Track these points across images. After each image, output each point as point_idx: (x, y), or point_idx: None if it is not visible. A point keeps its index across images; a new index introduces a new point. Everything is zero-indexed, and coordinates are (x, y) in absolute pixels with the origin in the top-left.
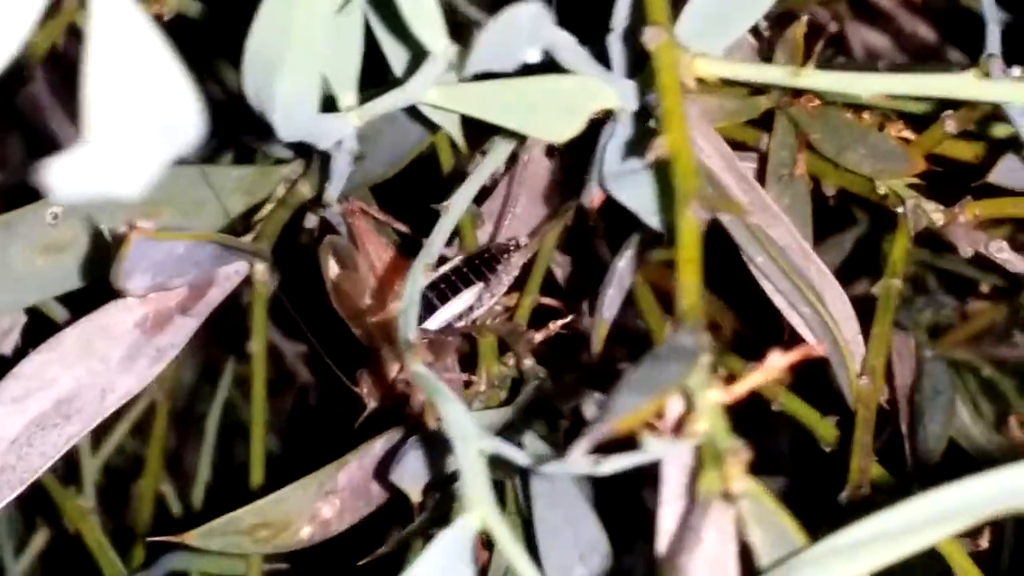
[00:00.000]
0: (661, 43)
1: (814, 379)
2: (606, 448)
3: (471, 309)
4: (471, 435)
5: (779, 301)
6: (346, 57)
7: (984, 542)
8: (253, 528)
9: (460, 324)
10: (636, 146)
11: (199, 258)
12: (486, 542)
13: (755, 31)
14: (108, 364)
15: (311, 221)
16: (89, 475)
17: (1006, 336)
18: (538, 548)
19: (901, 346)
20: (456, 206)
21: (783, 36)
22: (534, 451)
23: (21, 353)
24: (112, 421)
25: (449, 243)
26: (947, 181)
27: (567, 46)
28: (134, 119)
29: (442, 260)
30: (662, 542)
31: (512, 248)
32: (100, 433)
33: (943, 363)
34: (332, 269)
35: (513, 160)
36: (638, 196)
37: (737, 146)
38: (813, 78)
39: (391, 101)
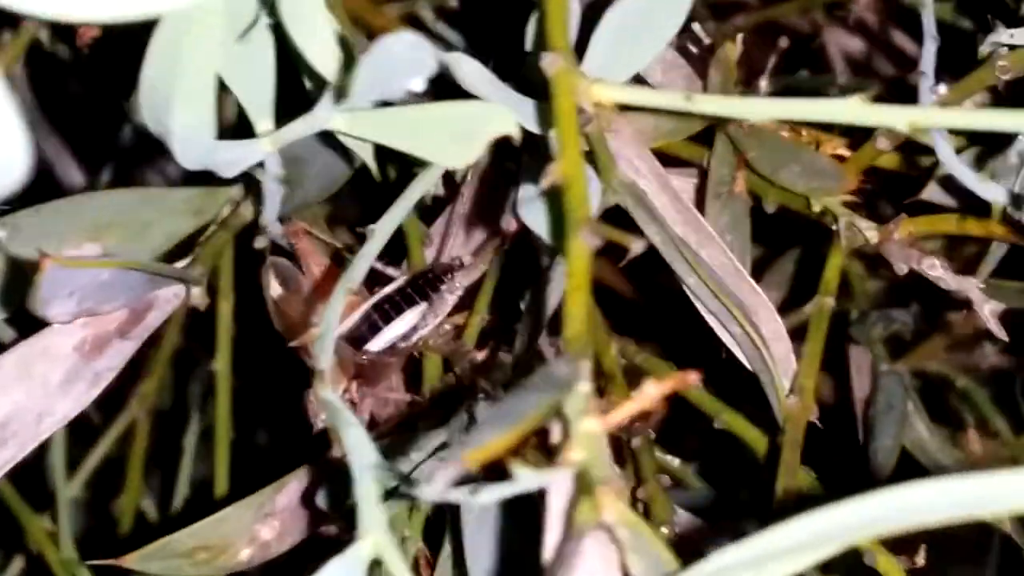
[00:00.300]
0: (558, 69)
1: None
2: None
3: (415, 329)
4: (366, 462)
5: (711, 320)
6: (259, 84)
7: (920, 559)
8: (192, 551)
9: (405, 344)
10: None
11: (131, 283)
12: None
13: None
14: (46, 388)
15: (261, 242)
16: (64, 498)
17: (976, 345)
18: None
19: (860, 360)
20: (381, 230)
21: (715, 56)
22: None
23: None
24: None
25: (398, 263)
26: (893, 196)
27: (470, 71)
28: None
29: (388, 280)
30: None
31: (456, 268)
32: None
33: (898, 377)
34: (274, 289)
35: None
36: (543, 221)
37: (680, 163)
38: (704, 103)
39: (300, 129)
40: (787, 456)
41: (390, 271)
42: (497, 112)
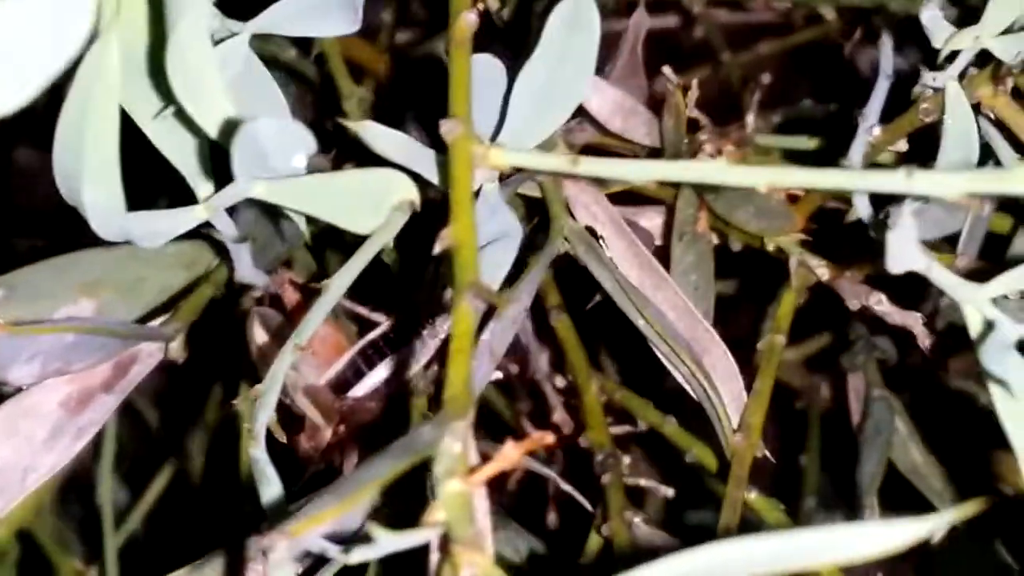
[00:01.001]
0: (456, 136)
1: None
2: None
3: (399, 374)
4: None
5: (663, 360)
6: (193, 151)
7: None
8: None
9: (389, 389)
10: None
11: (102, 342)
12: None
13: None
14: (32, 444)
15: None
16: (112, 549)
17: None
18: None
19: (857, 386)
20: (335, 285)
21: (667, 102)
22: None
23: None
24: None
25: (385, 310)
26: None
27: (376, 136)
28: None
29: (372, 326)
30: None
31: (439, 312)
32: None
33: (886, 402)
34: (259, 337)
35: None
36: None
37: (649, 201)
38: (588, 166)
39: (227, 196)
40: (731, 491)
41: (376, 316)
42: (398, 179)
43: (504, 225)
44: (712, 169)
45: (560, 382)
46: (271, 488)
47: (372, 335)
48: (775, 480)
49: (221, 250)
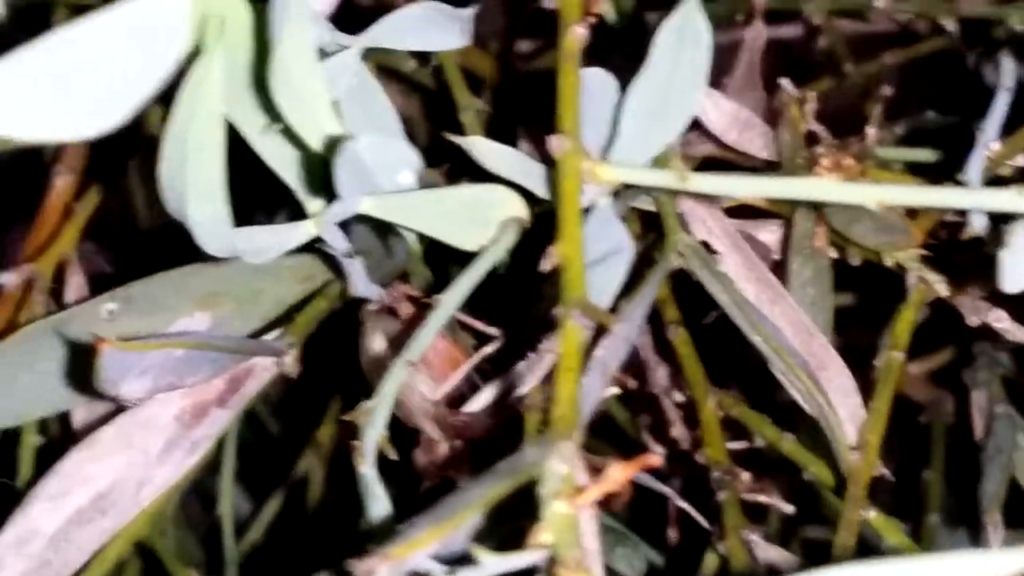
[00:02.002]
0: (565, 152)
1: None
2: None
3: (515, 388)
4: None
5: (779, 376)
6: (303, 166)
7: None
8: None
9: (505, 403)
10: None
11: (214, 356)
12: None
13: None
14: (147, 457)
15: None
16: (231, 559)
17: None
18: None
19: (981, 402)
20: (447, 302)
21: (783, 115)
22: None
23: None
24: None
25: (501, 323)
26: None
27: (484, 151)
28: None
29: (487, 339)
30: None
31: (555, 325)
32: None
33: (1009, 420)
34: (375, 346)
35: None
36: None
37: (766, 214)
38: (697, 182)
39: (337, 212)
40: (847, 512)
41: (491, 330)
42: (506, 196)
43: (615, 241)
44: (821, 186)
45: (678, 397)
46: (379, 506)
47: (488, 349)
48: (897, 495)
49: (335, 264)
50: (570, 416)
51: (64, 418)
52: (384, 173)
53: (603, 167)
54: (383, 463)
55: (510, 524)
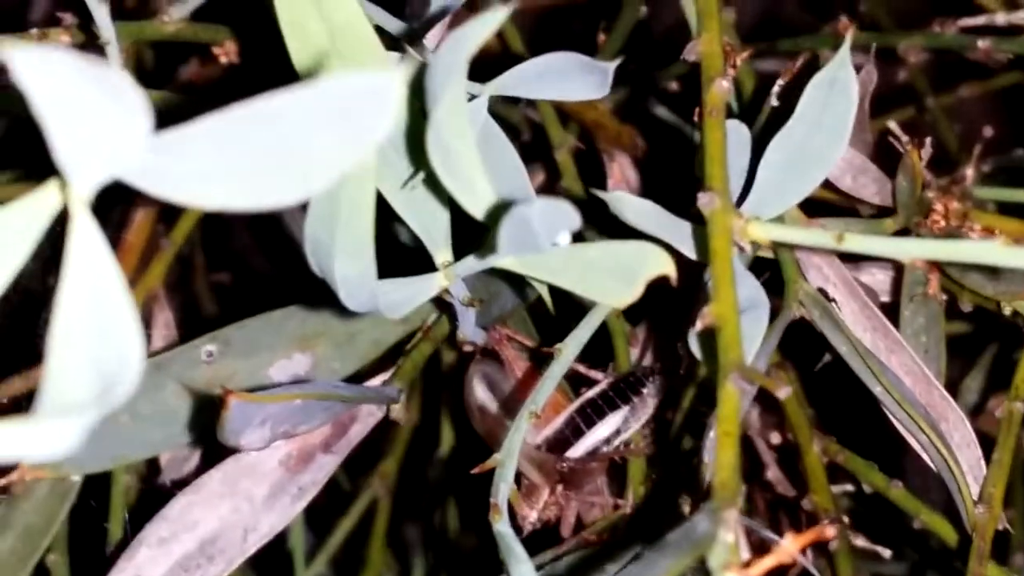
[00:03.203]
0: (714, 209)
1: None
2: None
3: (618, 432)
4: None
5: (899, 426)
6: (435, 220)
7: None
8: None
9: (608, 448)
10: None
11: (326, 404)
12: None
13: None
14: (252, 503)
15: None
16: None
17: None
18: None
19: None
20: (568, 349)
21: (903, 161)
22: None
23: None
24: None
25: (603, 366)
26: None
27: (629, 206)
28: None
29: (591, 383)
30: None
31: (658, 370)
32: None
33: None
34: (480, 394)
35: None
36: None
37: (870, 257)
38: (854, 242)
39: (471, 265)
40: (974, 567)
41: (593, 374)
42: (654, 253)
43: (752, 295)
44: (991, 250)
45: (776, 438)
46: (521, 567)
47: (591, 393)
48: None
49: (442, 306)
50: (732, 483)
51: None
52: (546, 233)
53: (754, 225)
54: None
55: None
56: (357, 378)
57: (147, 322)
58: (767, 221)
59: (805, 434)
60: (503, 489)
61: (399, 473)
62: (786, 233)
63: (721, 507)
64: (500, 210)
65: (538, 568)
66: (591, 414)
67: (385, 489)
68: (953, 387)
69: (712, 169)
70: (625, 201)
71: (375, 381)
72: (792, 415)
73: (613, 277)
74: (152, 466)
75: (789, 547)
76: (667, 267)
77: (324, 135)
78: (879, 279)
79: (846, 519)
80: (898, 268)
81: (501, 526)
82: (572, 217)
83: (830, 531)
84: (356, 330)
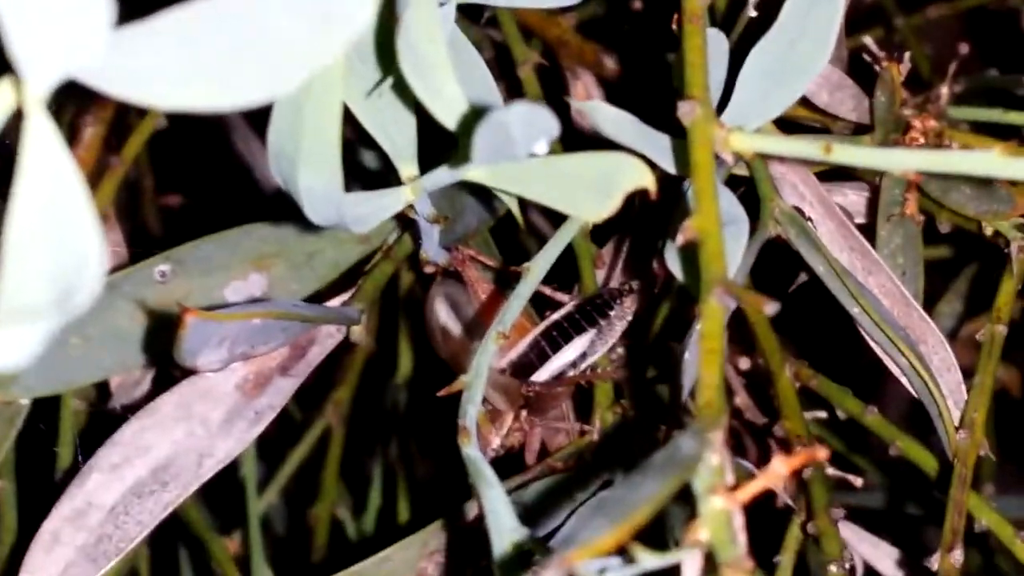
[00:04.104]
0: (695, 119)
1: None
2: None
3: (584, 356)
4: (503, 526)
5: (877, 349)
6: (401, 132)
7: None
8: None
9: (574, 372)
10: None
11: (285, 325)
12: None
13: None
14: (207, 427)
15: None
16: (255, 514)
17: None
18: None
19: None
20: (535, 269)
21: (880, 76)
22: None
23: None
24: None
25: (569, 286)
26: None
27: (607, 118)
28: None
29: (557, 306)
30: None
31: (625, 292)
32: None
33: None
34: (442, 315)
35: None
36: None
37: (846, 177)
38: (842, 153)
39: (438, 179)
40: (955, 494)
41: (559, 296)
42: (632, 165)
43: (730, 211)
44: (988, 161)
45: (744, 364)
46: (491, 491)
47: (556, 316)
48: None
49: (405, 224)
50: (716, 403)
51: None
52: (525, 142)
53: (737, 135)
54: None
55: None
56: (316, 299)
57: None
58: (751, 133)
59: (776, 358)
60: (471, 411)
61: (353, 401)
62: (770, 144)
63: (706, 428)
64: (472, 118)
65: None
66: (556, 337)
67: (339, 418)
68: (930, 310)
69: (693, 77)
70: (602, 111)
71: (335, 302)
72: (763, 339)
73: (589, 189)
74: (102, 390)
75: (778, 470)
76: (646, 179)
77: (296, 28)
78: (852, 200)
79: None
80: (873, 189)
81: (470, 449)
82: (551, 124)
83: (822, 453)
84: (314, 250)
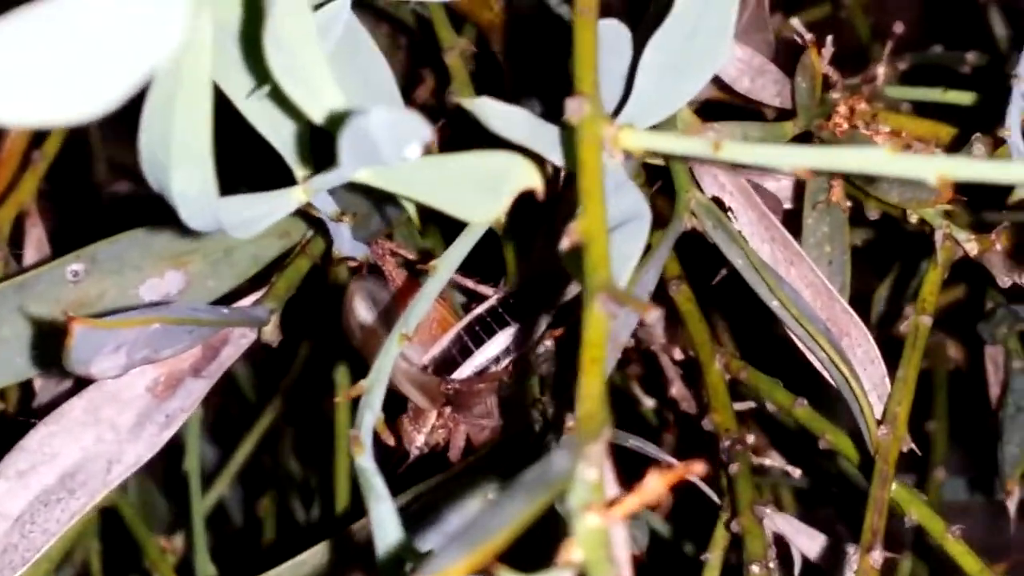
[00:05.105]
0: (584, 116)
1: None
2: None
3: (508, 351)
4: (389, 540)
5: (799, 342)
6: (292, 131)
7: None
8: None
9: (497, 368)
10: None
11: (191, 328)
12: None
13: None
14: (117, 432)
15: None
16: (199, 512)
17: None
18: None
19: (996, 357)
20: (443, 267)
21: (800, 61)
22: None
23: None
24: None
25: (495, 282)
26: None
27: (496, 115)
28: None
29: (481, 299)
30: None
31: (554, 286)
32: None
33: None
34: (359, 312)
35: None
36: None
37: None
38: (731, 150)
39: (331, 179)
40: (876, 491)
41: (483, 289)
42: (520, 165)
43: (632, 206)
44: (874, 158)
45: (678, 355)
46: (381, 505)
47: (479, 310)
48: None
49: (316, 222)
50: (598, 415)
51: (26, 386)
52: (392, 146)
53: (626, 133)
54: None
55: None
56: (235, 295)
57: (19, 240)
58: (644, 129)
59: (706, 350)
60: (368, 418)
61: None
62: (659, 141)
63: (585, 441)
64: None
65: (408, 504)
66: (480, 332)
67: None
68: (864, 300)
69: (582, 72)
70: (489, 108)
71: (248, 300)
72: (693, 330)
73: (476, 191)
74: (27, 391)
75: (655, 486)
76: (532, 179)
77: (114, 40)
78: (784, 185)
79: (751, 439)
80: (799, 181)
81: (361, 460)
82: (420, 129)
83: (698, 467)
84: (233, 245)
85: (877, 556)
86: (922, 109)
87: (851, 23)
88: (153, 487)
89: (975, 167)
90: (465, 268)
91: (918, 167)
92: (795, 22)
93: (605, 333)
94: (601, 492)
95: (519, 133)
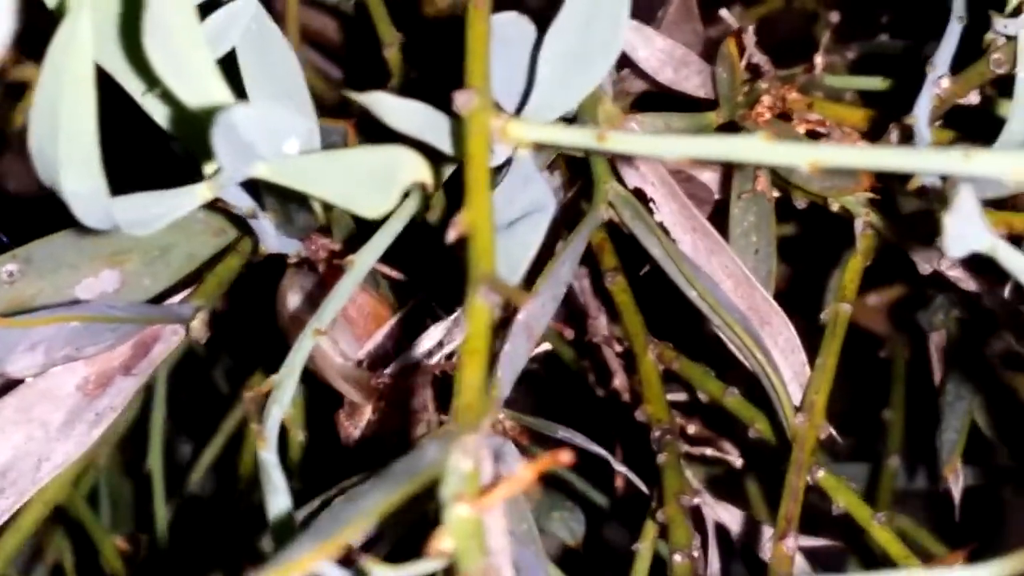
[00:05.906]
0: (473, 108)
1: None
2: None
3: (441, 345)
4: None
5: (718, 332)
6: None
7: None
8: None
9: (431, 361)
10: None
11: (114, 325)
12: None
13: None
14: (47, 430)
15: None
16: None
17: None
18: None
19: (939, 344)
20: (359, 263)
21: (719, 51)
22: None
23: None
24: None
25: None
26: None
27: (390, 108)
28: None
29: (415, 293)
30: None
31: None
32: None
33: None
34: (292, 307)
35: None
36: None
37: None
38: (616, 141)
39: (228, 176)
40: (791, 479)
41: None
42: (408, 158)
43: (537, 198)
44: (750, 147)
45: (619, 347)
46: (278, 499)
47: (411, 304)
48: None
49: (239, 220)
50: (477, 405)
51: None
52: (267, 142)
53: (514, 124)
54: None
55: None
56: (171, 292)
57: None
58: (530, 122)
59: (640, 341)
60: (275, 413)
61: None
62: (547, 133)
63: (461, 431)
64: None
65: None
66: (415, 326)
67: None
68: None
69: (472, 65)
70: (383, 103)
71: (178, 298)
72: (628, 321)
73: (368, 185)
74: None
75: (523, 475)
76: (422, 172)
77: None
78: (709, 177)
79: (689, 424)
80: (727, 164)
81: (264, 453)
82: (295, 123)
83: (565, 457)
84: (169, 244)
85: (791, 543)
86: (869, 98)
87: (803, 14)
88: (128, 483)
89: (847, 154)
90: (400, 261)
91: (791, 155)
92: (724, 13)
93: (486, 325)
94: (476, 482)
95: (415, 127)
